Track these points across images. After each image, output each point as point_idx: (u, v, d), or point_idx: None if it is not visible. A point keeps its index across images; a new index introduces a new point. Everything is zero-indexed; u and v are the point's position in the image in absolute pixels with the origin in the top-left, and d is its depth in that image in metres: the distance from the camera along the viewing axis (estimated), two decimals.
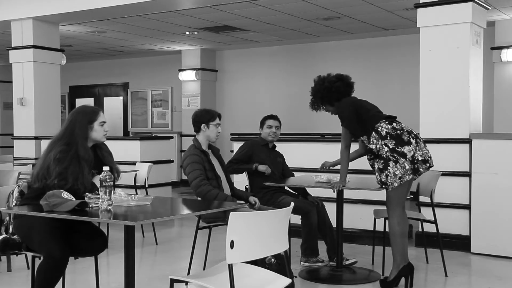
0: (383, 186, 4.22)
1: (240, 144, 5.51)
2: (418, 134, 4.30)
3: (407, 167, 4.09)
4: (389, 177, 4.12)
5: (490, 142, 5.55)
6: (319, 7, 8.02)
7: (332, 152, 6.35)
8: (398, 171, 4.10)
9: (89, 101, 14.03)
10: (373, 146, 4.19)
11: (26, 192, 3.46)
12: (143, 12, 8.08)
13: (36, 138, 8.49)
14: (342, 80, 4.50)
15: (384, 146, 4.13)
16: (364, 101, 4.48)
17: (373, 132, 4.20)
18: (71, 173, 3.29)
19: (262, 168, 5.11)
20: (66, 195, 2.97)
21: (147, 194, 6.06)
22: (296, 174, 5.50)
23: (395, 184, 4.13)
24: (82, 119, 3.49)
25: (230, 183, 4.73)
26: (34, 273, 3.27)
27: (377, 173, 4.20)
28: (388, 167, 4.12)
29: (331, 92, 4.44)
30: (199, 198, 4.41)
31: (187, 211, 3.49)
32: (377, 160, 4.19)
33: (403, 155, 4.09)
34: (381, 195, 5.75)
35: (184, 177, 13.08)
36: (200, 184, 4.36)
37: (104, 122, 3.55)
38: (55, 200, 2.91)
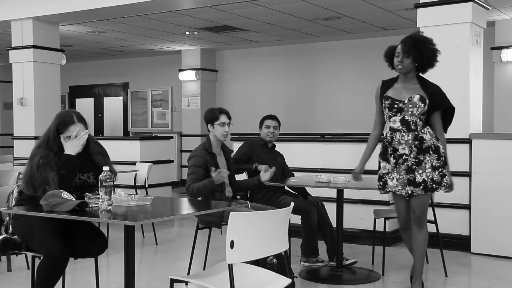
0: (433, 186, 3.90)
1: (240, 144, 5.51)
2: None
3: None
4: (445, 177, 3.93)
5: (490, 142, 5.56)
6: (319, 7, 8.02)
7: (332, 152, 6.38)
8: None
9: (89, 101, 14.05)
10: (427, 137, 3.92)
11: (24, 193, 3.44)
12: (143, 12, 8.07)
13: (36, 138, 8.48)
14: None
15: (440, 145, 3.96)
16: None
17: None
18: (52, 179, 3.25)
19: (262, 167, 5.10)
20: (66, 195, 2.97)
21: (147, 194, 6.07)
22: (296, 174, 5.50)
23: (443, 189, 3.96)
24: (54, 128, 3.41)
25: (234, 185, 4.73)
26: (34, 273, 3.26)
27: (424, 172, 3.87)
28: (446, 167, 3.95)
29: (431, 63, 3.97)
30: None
31: (187, 211, 3.49)
32: (432, 155, 3.89)
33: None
34: (382, 194, 5.75)
35: (184, 177, 13.06)
36: (188, 187, 4.34)
37: (70, 136, 3.35)
38: (55, 200, 2.91)
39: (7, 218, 3.61)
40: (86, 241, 3.40)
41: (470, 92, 5.80)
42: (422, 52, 3.90)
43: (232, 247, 2.48)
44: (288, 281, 2.83)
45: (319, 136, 8.97)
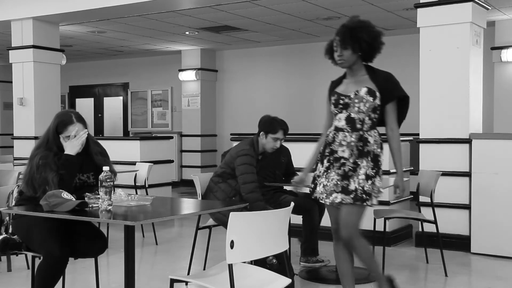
0: (363, 197, 3.39)
1: None
2: None
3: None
4: (375, 189, 3.44)
5: (490, 142, 5.55)
6: (319, 7, 8.02)
7: None
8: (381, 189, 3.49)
9: (89, 101, 14.05)
10: (372, 142, 3.45)
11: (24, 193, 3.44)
12: (143, 12, 8.07)
13: (36, 138, 8.48)
14: (382, 47, 3.54)
15: (381, 154, 3.50)
16: None
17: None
18: (52, 180, 3.25)
19: None
20: (66, 195, 2.97)
21: (147, 194, 6.06)
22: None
23: (375, 202, 3.46)
24: (53, 128, 3.41)
25: None
26: (34, 273, 3.26)
27: (357, 179, 3.41)
28: (377, 177, 3.45)
29: (373, 48, 3.48)
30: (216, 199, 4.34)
31: (187, 211, 3.49)
32: (369, 162, 3.43)
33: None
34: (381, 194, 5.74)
35: (184, 177, 13.02)
36: (254, 190, 4.28)
37: (69, 135, 3.36)
38: (55, 200, 2.91)
39: (7, 218, 3.61)
40: (86, 241, 3.40)
41: (470, 92, 5.80)
42: (360, 39, 3.40)
43: (232, 247, 2.48)
44: (288, 281, 2.83)
45: (319, 136, 8.95)
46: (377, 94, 3.43)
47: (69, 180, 3.31)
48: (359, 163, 3.41)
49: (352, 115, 3.44)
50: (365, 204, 3.41)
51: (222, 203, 3.93)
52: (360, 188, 3.39)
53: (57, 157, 3.33)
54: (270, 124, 4.48)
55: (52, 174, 3.25)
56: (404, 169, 6.18)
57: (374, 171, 3.43)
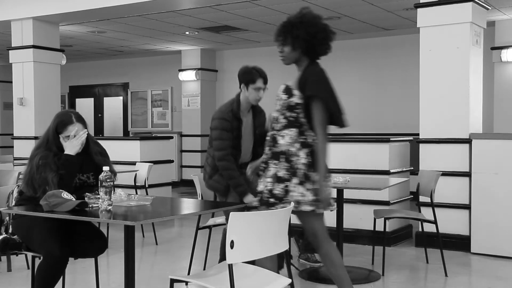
0: (269, 200, 3.17)
1: None
2: None
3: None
4: (293, 194, 3.15)
5: (490, 142, 5.56)
6: (319, 7, 8.01)
7: (331, 151, 6.36)
8: (310, 193, 3.16)
9: (89, 101, 14.05)
10: (282, 142, 3.23)
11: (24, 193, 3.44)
12: (143, 12, 8.08)
13: (36, 138, 8.48)
14: (327, 43, 3.38)
15: (306, 156, 3.21)
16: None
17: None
18: (52, 180, 3.25)
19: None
20: (66, 195, 2.97)
21: (147, 194, 6.06)
22: None
23: (306, 208, 3.16)
24: (53, 128, 3.42)
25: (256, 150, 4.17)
26: (34, 273, 3.27)
27: (266, 180, 3.23)
28: (292, 181, 3.17)
29: (313, 45, 3.33)
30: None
31: (187, 211, 3.49)
32: (280, 163, 3.19)
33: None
34: (382, 195, 5.76)
35: (184, 177, 12.99)
36: (224, 158, 3.97)
37: (69, 135, 3.36)
38: (55, 200, 2.91)
39: (7, 218, 3.61)
40: (86, 241, 3.40)
41: (470, 92, 5.80)
42: (297, 37, 3.26)
43: (232, 247, 2.48)
44: (288, 281, 2.83)
45: None
46: (295, 92, 3.22)
47: (69, 180, 3.31)
48: (269, 163, 3.25)
49: (274, 114, 3.34)
50: (274, 208, 3.12)
51: (222, 203, 3.92)
52: (267, 191, 3.19)
53: (57, 157, 3.34)
54: (249, 74, 4.25)
55: (52, 174, 3.25)
56: (404, 169, 6.23)
57: (289, 173, 3.16)
